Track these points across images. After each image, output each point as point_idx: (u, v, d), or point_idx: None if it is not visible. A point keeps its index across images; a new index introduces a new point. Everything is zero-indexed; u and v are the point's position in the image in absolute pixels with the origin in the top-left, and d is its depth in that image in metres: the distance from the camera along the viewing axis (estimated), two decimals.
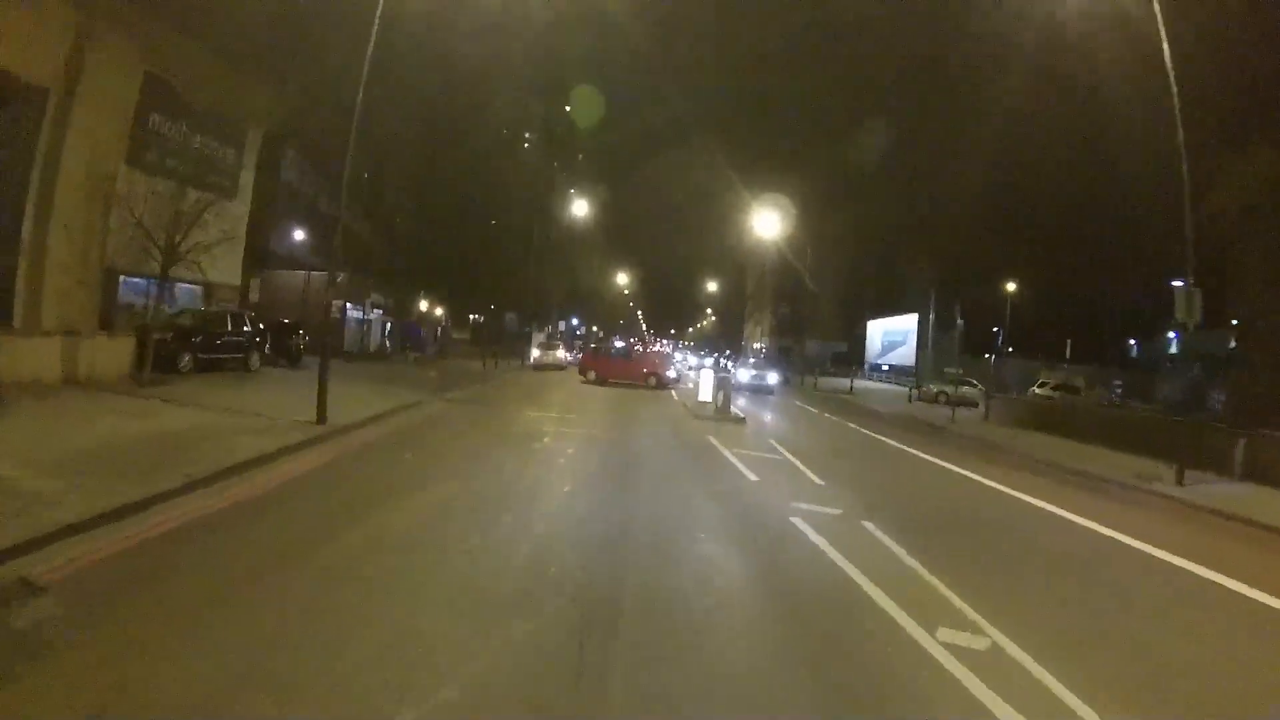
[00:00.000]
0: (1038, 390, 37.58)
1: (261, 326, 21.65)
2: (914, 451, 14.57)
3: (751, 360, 41.93)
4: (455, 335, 62.09)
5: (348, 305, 36.00)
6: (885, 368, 53.24)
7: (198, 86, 18.25)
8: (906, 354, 49.43)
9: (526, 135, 65.80)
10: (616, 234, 61.58)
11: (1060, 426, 19.76)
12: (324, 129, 49.17)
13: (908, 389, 38.67)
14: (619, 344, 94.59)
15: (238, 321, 19.99)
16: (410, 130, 51.47)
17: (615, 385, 25.90)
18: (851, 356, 68.62)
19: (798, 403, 26.87)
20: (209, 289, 20.69)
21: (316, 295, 37.92)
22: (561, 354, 35.60)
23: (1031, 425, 21.09)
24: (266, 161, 44.40)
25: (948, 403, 34.67)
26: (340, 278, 34.09)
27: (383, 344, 44.32)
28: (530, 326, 51.12)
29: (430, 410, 15.26)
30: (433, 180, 54.61)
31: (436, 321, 63.09)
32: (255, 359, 19.86)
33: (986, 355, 43.44)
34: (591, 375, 26.66)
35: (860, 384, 46.36)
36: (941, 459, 13.44)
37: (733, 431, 14.77)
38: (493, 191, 48.31)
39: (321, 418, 11.02)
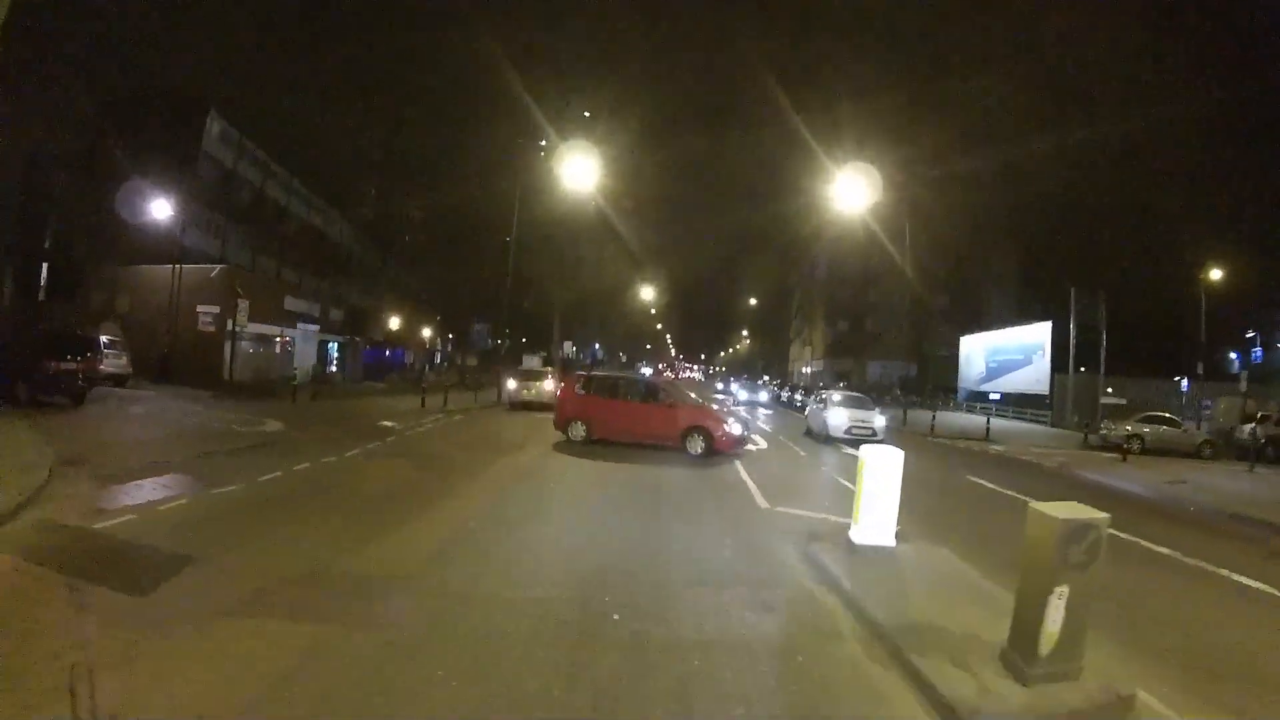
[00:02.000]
0: (1259, 429, 23.92)
1: None
2: None
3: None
4: (466, 361, 50.06)
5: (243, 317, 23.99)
6: (995, 397, 39.78)
7: None
8: (1033, 378, 36.03)
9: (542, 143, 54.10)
10: (641, 236, 49.35)
11: None
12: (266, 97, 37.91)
13: (1081, 432, 25.60)
14: (645, 370, 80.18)
15: None
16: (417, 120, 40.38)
17: (621, 453, 13.25)
18: (922, 381, 55.57)
19: (970, 477, 13.92)
20: None
21: (190, 297, 26.04)
22: (550, 385, 23.12)
23: None
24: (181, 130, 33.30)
25: (1143, 451, 21.76)
26: (217, 272, 22.55)
27: (320, 371, 32.47)
28: (499, 344, 38.56)
29: None
30: (432, 174, 42.99)
31: (422, 344, 51.01)
32: None
33: (1176, 378, 30.06)
34: (579, 431, 14.04)
35: (977, 421, 33.20)
36: None
37: None
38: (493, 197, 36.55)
39: None
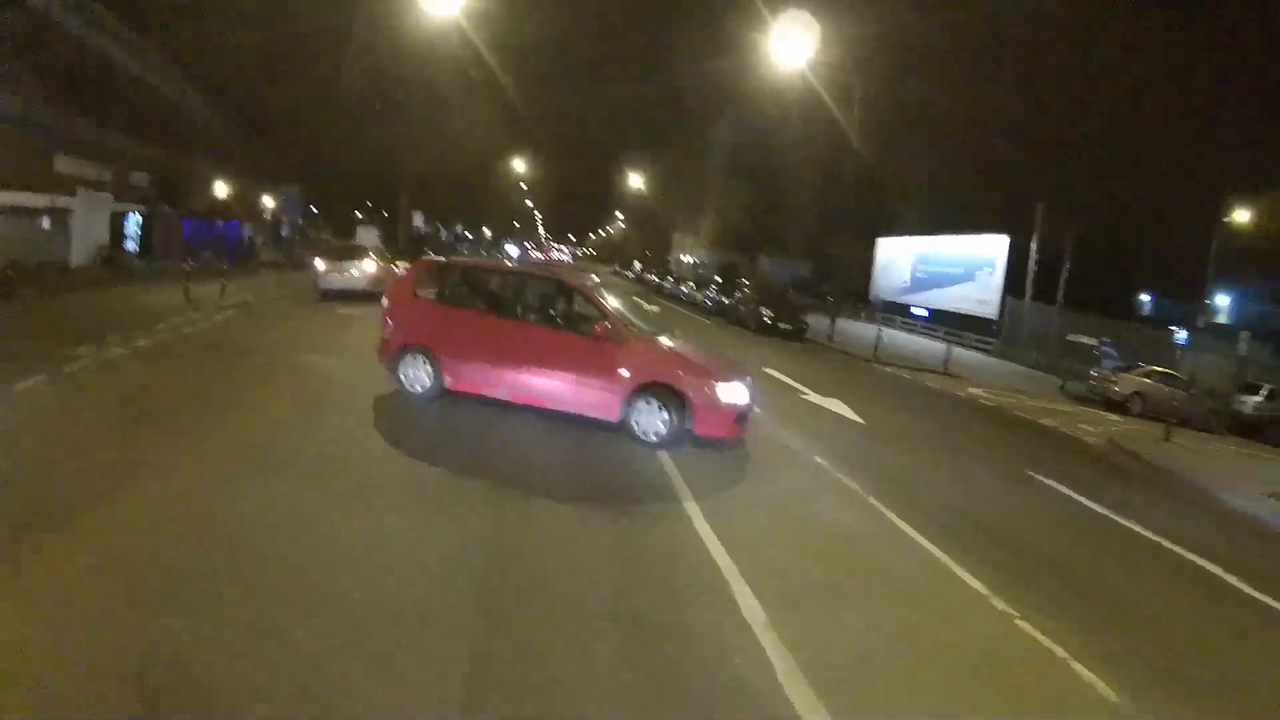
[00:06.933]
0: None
1: None
2: None
3: None
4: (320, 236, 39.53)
5: None
6: (923, 312, 35.78)
7: None
8: (976, 298, 31.99)
9: None
10: (516, 94, 39.04)
11: None
12: None
13: (1058, 377, 21.45)
14: (511, 250, 69.64)
15: None
16: None
17: (492, 433, 6.61)
18: (821, 283, 50.52)
19: (1031, 473, 8.37)
20: None
21: None
22: (371, 267, 16.62)
23: None
24: None
25: (1142, 413, 17.40)
26: None
27: (110, 251, 22.71)
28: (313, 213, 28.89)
29: None
30: None
31: (261, 216, 39.91)
32: None
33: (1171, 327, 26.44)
34: (421, 372, 7.15)
35: (920, 344, 28.55)
36: None
37: None
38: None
39: None
